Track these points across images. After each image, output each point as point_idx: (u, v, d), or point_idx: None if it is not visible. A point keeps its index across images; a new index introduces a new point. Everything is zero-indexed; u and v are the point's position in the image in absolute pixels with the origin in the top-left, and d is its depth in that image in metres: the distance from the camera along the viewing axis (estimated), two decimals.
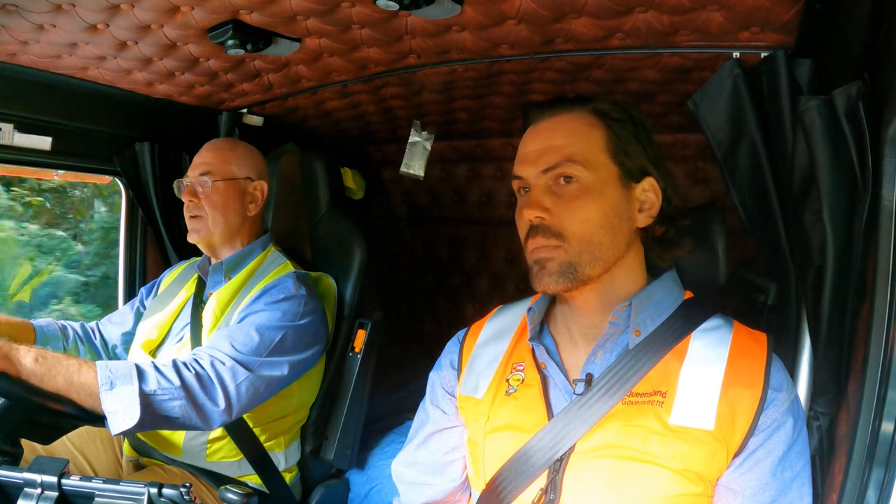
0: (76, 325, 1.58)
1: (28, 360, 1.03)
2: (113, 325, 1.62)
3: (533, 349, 0.94)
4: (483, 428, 0.92)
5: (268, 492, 1.43)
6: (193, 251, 1.63)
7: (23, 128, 1.43)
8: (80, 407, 1.08)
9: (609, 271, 0.88)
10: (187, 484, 0.75)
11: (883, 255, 0.80)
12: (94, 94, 1.51)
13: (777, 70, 0.98)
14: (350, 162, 2.04)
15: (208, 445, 1.37)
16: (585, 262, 0.85)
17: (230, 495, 0.81)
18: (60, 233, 2.48)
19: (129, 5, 1.08)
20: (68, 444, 1.42)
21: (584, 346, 0.90)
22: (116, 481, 0.76)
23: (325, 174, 1.69)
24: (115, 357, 1.60)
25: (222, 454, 1.38)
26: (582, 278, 0.85)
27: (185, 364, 1.19)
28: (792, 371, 1.02)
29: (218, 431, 1.36)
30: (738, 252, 1.33)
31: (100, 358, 1.58)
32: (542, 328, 0.95)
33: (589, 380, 0.86)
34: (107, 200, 2.49)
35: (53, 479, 0.75)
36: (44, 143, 1.48)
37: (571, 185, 0.86)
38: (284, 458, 1.47)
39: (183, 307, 1.50)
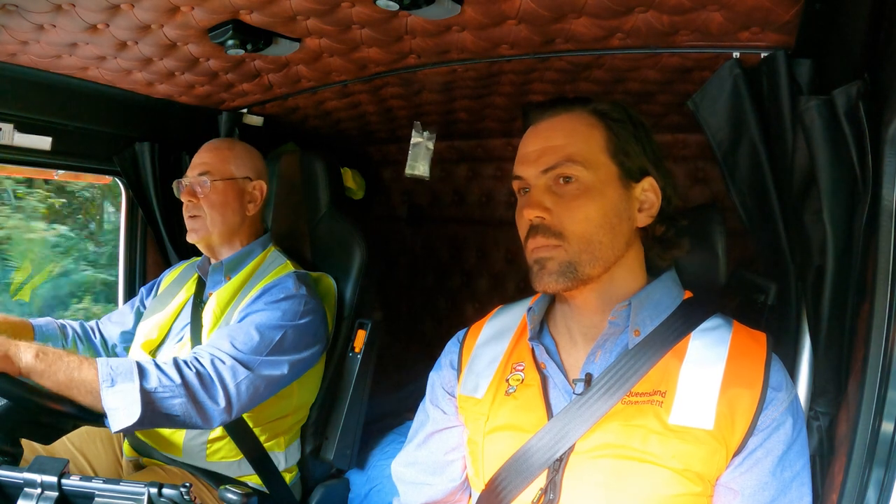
0: (75, 324, 1.58)
1: (28, 357, 1.04)
2: (113, 324, 1.62)
3: (533, 349, 0.94)
4: (483, 428, 0.92)
5: (268, 492, 1.43)
6: (193, 251, 1.63)
7: (23, 128, 1.43)
8: (80, 406, 1.08)
9: (609, 271, 0.88)
10: (187, 484, 0.75)
11: (883, 255, 0.80)
12: (94, 94, 1.51)
13: (777, 70, 0.98)
14: (350, 162, 2.04)
15: (208, 445, 1.37)
16: (585, 261, 0.85)
17: (230, 495, 0.81)
18: (72, 234, 2.52)
19: (129, 5, 1.08)
20: (68, 444, 1.42)
21: (584, 346, 0.91)
22: (116, 481, 0.76)
23: (325, 174, 1.69)
24: (115, 356, 1.61)
25: (222, 454, 1.38)
26: (582, 278, 0.85)
27: (185, 362, 1.19)
28: (792, 371, 1.02)
29: (218, 431, 1.36)
30: (738, 252, 1.33)
31: (99, 357, 1.58)
32: (541, 328, 0.96)
33: (588, 380, 0.86)
34: (117, 201, 2.52)
35: (53, 479, 0.76)
36: (44, 143, 1.48)
37: (571, 185, 0.86)
38: (284, 458, 1.47)
39: (183, 307, 1.50)
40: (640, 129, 0.91)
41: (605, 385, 0.84)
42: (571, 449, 0.83)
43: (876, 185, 0.81)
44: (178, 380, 1.14)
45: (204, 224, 1.44)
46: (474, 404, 0.95)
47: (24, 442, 1.09)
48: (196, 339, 1.41)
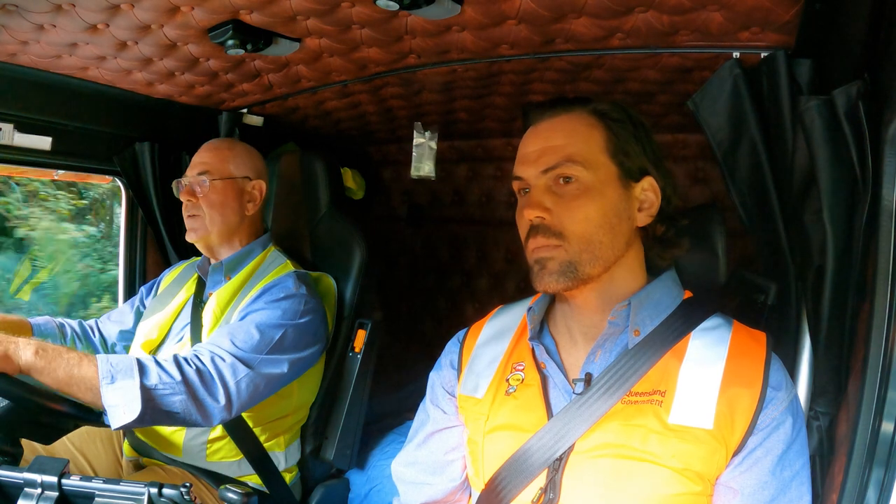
0: (74, 323, 1.58)
1: (28, 354, 1.03)
2: (112, 323, 1.63)
3: (533, 349, 0.94)
4: (483, 427, 0.92)
5: (268, 492, 1.43)
6: (193, 251, 1.63)
7: (23, 128, 1.43)
8: (80, 405, 1.08)
9: (609, 270, 0.88)
10: (187, 484, 0.75)
11: (883, 255, 0.80)
12: (94, 94, 1.51)
13: (777, 70, 0.98)
14: (350, 162, 2.04)
15: (208, 445, 1.37)
16: (585, 261, 0.85)
17: (230, 495, 0.81)
18: (92, 231, 2.58)
19: (129, 5, 1.08)
20: (68, 444, 1.42)
21: (584, 346, 0.91)
22: (116, 481, 0.76)
23: (325, 174, 1.69)
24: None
25: (222, 454, 1.38)
26: (582, 277, 0.86)
27: (186, 359, 1.19)
28: (792, 371, 1.02)
29: (218, 431, 1.36)
30: (738, 252, 1.33)
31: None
32: (542, 328, 0.96)
33: (588, 379, 0.86)
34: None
35: (53, 479, 0.76)
36: (44, 143, 1.48)
37: (571, 185, 0.86)
38: (284, 458, 1.47)
39: (183, 307, 1.50)
40: (640, 128, 0.91)
41: (604, 385, 0.84)
42: (571, 448, 0.83)
43: (876, 185, 0.81)
44: (178, 377, 1.14)
45: (203, 223, 1.44)
46: (474, 404, 0.95)
47: (24, 442, 1.10)
48: (196, 338, 1.40)
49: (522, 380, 0.92)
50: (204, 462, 1.38)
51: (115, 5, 1.07)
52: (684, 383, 0.82)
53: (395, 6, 1.00)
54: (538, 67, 1.31)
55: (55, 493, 0.76)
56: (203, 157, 1.48)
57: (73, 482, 0.76)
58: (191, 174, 1.46)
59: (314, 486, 1.58)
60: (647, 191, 0.90)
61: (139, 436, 1.40)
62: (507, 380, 0.93)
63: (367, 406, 1.62)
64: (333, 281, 1.57)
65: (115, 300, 2.13)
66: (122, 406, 1.07)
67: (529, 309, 0.96)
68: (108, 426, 1.10)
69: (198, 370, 1.18)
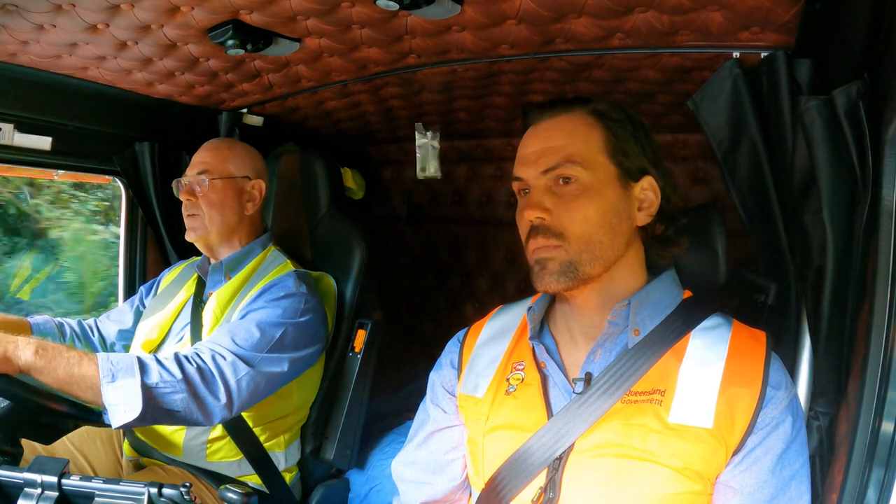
0: (73, 323, 1.58)
1: (27, 354, 1.03)
2: (111, 323, 1.63)
3: (533, 348, 0.94)
4: (483, 427, 0.92)
5: (268, 492, 1.43)
6: (193, 251, 1.63)
7: (23, 128, 1.43)
8: (79, 405, 1.08)
9: (609, 270, 0.88)
10: (187, 484, 0.75)
11: (883, 255, 0.80)
12: (94, 94, 1.51)
13: (777, 70, 0.98)
14: (350, 162, 2.04)
15: (208, 445, 1.37)
16: (586, 261, 0.85)
17: (230, 495, 0.81)
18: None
19: (129, 5, 1.08)
20: (68, 444, 1.42)
21: (584, 346, 0.91)
22: (116, 481, 0.76)
23: (325, 174, 1.69)
24: None
25: (222, 454, 1.38)
26: (582, 277, 0.86)
27: (186, 357, 1.18)
28: (792, 371, 1.02)
29: (218, 431, 1.36)
30: (738, 252, 1.33)
31: None
32: (542, 327, 0.96)
33: (588, 379, 0.86)
34: None
35: (53, 479, 0.76)
36: (44, 143, 1.48)
37: (571, 186, 0.86)
38: (284, 457, 1.47)
39: (183, 307, 1.50)
40: (639, 128, 0.91)
41: (604, 384, 0.84)
42: (571, 448, 0.83)
43: (876, 185, 0.81)
44: (179, 375, 1.14)
45: (202, 223, 1.44)
46: (474, 404, 0.95)
47: (24, 442, 1.09)
48: (196, 338, 1.40)
49: (522, 379, 0.92)
50: (204, 462, 1.37)
51: (115, 5, 1.07)
52: (684, 382, 0.82)
53: (395, 6, 1.00)
54: (538, 67, 1.31)
55: (55, 493, 0.76)
56: (203, 157, 1.48)
57: (73, 482, 0.76)
58: (190, 174, 1.46)
59: (314, 486, 1.58)
60: (647, 190, 0.90)
61: (139, 436, 1.40)
62: (508, 379, 0.94)
63: (367, 406, 1.62)
64: (333, 281, 1.57)
65: None
66: (122, 405, 1.07)
67: (529, 309, 0.96)
68: (109, 426, 1.09)
69: (199, 368, 1.17)
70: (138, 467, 1.45)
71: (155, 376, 1.11)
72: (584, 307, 0.91)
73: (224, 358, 1.21)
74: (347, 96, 1.63)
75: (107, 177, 1.83)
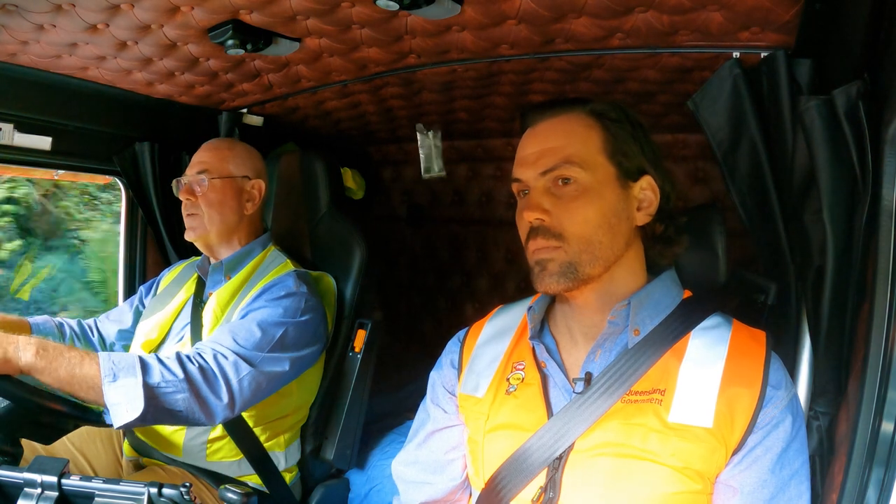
0: (73, 323, 1.58)
1: (28, 355, 1.02)
2: (111, 323, 1.62)
3: (533, 348, 0.94)
4: (483, 427, 0.92)
5: (268, 492, 1.43)
6: (193, 251, 1.63)
7: (23, 128, 1.43)
8: (80, 405, 1.08)
9: (609, 270, 0.88)
10: (187, 484, 0.75)
11: (883, 255, 0.80)
12: (94, 94, 1.51)
13: (777, 70, 0.98)
14: (350, 162, 2.04)
15: (208, 445, 1.37)
16: (585, 261, 0.85)
17: (230, 495, 0.81)
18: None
19: (129, 5, 1.08)
20: (68, 444, 1.42)
21: (584, 345, 0.91)
22: (116, 481, 0.76)
23: (325, 174, 1.69)
24: None
25: (222, 454, 1.38)
26: (582, 278, 0.86)
27: (188, 357, 1.18)
28: (792, 371, 1.02)
29: (218, 431, 1.36)
30: (738, 252, 1.33)
31: None
32: (542, 327, 0.96)
33: (588, 378, 0.86)
34: None
35: (53, 479, 0.75)
36: (44, 143, 1.48)
37: (570, 187, 0.86)
38: (284, 457, 1.47)
39: (183, 307, 1.50)
40: (638, 128, 0.91)
41: (604, 384, 0.84)
42: (571, 447, 0.83)
43: (876, 185, 0.81)
44: (181, 374, 1.13)
45: (202, 222, 1.44)
46: (475, 403, 0.95)
47: (24, 442, 1.09)
48: (196, 338, 1.40)
49: (523, 379, 0.92)
50: (204, 462, 1.37)
51: (115, 5, 1.07)
52: (684, 382, 0.82)
53: (395, 6, 1.00)
54: (538, 67, 1.31)
55: (55, 493, 0.76)
56: (202, 157, 1.48)
57: (72, 482, 0.76)
58: (190, 173, 1.46)
59: (314, 486, 1.58)
60: (646, 190, 0.90)
61: (139, 436, 1.40)
62: (508, 379, 0.94)
63: (367, 406, 1.62)
64: (333, 280, 1.57)
65: None
66: (124, 404, 1.06)
67: (530, 308, 0.96)
68: (109, 425, 1.09)
69: (200, 368, 1.17)
70: (138, 467, 1.45)
71: (157, 376, 1.11)
72: (584, 307, 0.91)
73: (226, 357, 1.21)
74: (347, 96, 1.63)
75: (107, 177, 1.83)
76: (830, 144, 0.87)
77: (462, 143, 2.16)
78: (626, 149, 0.88)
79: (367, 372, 1.59)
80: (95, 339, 1.60)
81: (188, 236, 1.47)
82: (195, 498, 0.75)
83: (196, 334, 1.41)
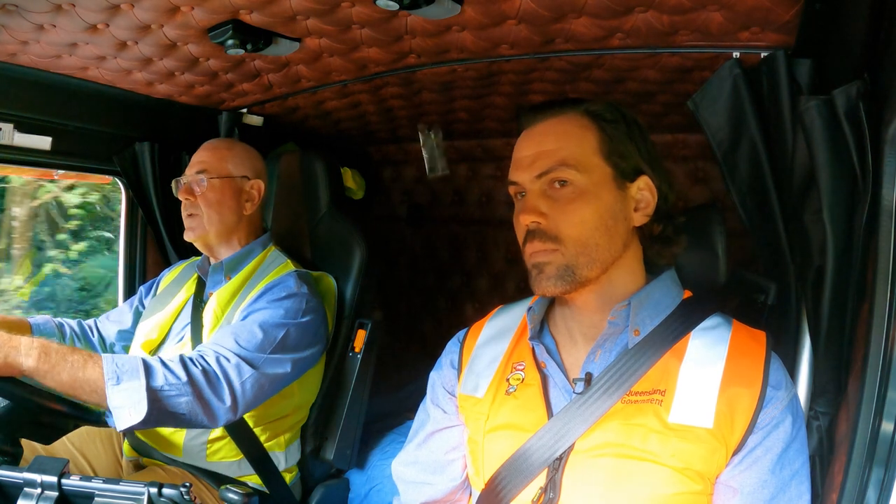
0: (73, 323, 1.58)
1: (30, 360, 1.02)
2: (111, 323, 1.62)
3: (533, 348, 0.94)
4: (483, 427, 0.92)
5: (268, 492, 1.43)
6: (193, 251, 1.63)
7: (23, 128, 1.43)
8: (80, 405, 1.08)
9: (607, 271, 0.88)
10: (187, 484, 0.75)
11: (883, 255, 0.80)
12: (94, 94, 1.51)
13: (777, 70, 0.98)
14: (350, 162, 2.04)
15: (208, 445, 1.37)
16: (583, 264, 0.85)
17: (230, 495, 0.81)
18: None
19: (129, 5, 1.08)
20: (68, 444, 1.42)
21: (584, 346, 0.91)
22: (116, 481, 0.76)
23: (325, 174, 1.69)
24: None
25: (222, 454, 1.38)
26: (580, 280, 0.86)
27: (191, 360, 1.18)
28: (792, 371, 1.02)
29: (218, 431, 1.36)
30: (738, 252, 1.33)
31: None
32: (542, 327, 0.96)
33: (588, 379, 0.86)
34: None
35: (53, 479, 0.75)
36: (44, 143, 1.48)
37: (566, 189, 0.86)
38: (284, 458, 1.47)
39: (183, 307, 1.50)
40: (635, 128, 0.91)
41: (604, 384, 0.84)
42: (571, 448, 0.83)
43: (876, 185, 0.81)
44: (184, 377, 1.13)
45: (201, 222, 1.44)
46: (475, 404, 0.95)
47: (24, 442, 1.09)
48: (196, 339, 1.40)
49: (523, 379, 0.92)
50: (204, 462, 1.37)
51: (115, 5, 1.07)
52: (684, 382, 0.82)
53: (395, 6, 1.00)
54: (538, 67, 1.31)
55: (55, 493, 0.76)
56: (202, 157, 1.48)
57: (72, 482, 0.76)
58: (189, 173, 1.46)
59: (314, 486, 1.58)
60: (643, 190, 0.89)
61: (139, 436, 1.40)
62: (508, 379, 0.93)
63: (367, 406, 1.62)
64: (334, 281, 1.57)
65: None
66: (128, 407, 1.06)
67: (529, 309, 0.96)
68: (109, 426, 1.09)
69: (203, 370, 1.17)
70: (138, 467, 1.45)
71: (160, 379, 1.10)
72: (583, 308, 0.91)
73: (228, 360, 1.21)
74: (347, 96, 1.63)
75: (106, 177, 1.84)
76: (830, 144, 0.87)
77: (462, 142, 2.16)
78: (622, 149, 0.88)
79: (367, 372, 1.59)
80: (95, 339, 1.60)
81: (187, 236, 1.47)
82: (195, 498, 0.75)
83: (196, 335, 1.41)
